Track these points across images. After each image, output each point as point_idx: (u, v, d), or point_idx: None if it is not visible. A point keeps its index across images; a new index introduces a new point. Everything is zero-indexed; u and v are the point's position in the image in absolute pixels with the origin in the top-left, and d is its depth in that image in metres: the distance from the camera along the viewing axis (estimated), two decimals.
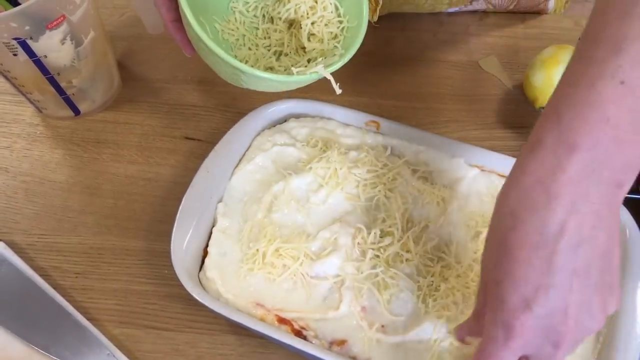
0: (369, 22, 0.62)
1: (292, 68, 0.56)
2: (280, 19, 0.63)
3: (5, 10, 0.60)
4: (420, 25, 0.80)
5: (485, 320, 0.42)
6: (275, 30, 0.63)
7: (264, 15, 0.64)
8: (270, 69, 0.62)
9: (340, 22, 0.61)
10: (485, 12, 0.81)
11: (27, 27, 0.57)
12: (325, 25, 0.60)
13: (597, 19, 0.40)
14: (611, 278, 0.41)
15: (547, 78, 0.67)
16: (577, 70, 0.40)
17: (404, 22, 0.81)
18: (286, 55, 0.63)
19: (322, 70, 0.55)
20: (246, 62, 0.62)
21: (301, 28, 0.61)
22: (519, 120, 0.71)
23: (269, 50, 0.64)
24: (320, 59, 0.60)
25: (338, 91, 0.56)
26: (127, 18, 0.81)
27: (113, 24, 0.80)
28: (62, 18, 0.59)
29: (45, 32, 0.59)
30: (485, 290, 0.43)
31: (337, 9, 0.61)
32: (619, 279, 0.42)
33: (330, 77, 0.55)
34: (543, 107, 0.68)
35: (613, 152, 0.38)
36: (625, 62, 0.37)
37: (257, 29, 0.64)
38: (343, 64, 0.56)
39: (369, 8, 0.61)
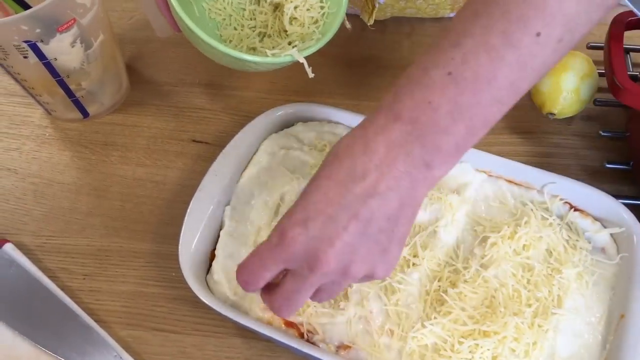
0: (366, 25, 0.63)
1: (267, 51, 0.59)
2: (266, 1, 0.65)
3: (17, 13, 0.61)
4: (427, 30, 0.80)
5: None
6: (260, 12, 0.66)
7: None
8: (253, 49, 0.65)
9: (322, 7, 0.63)
10: None
11: (37, 30, 0.58)
12: (307, 10, 0.63)
13: (462, 11, 0.43)
14: (388, 242, 0.44)
15: (554, 84, 0.67)
16: (427, 52, 0.43)
17: (411, 27, 0.81)
18: (269, 37, 0.66)
19: (296, 54, 0.57)
20: (230, 42, 0.66)
21: (284, 12, 0.63)
22: (526, 125, 0.71)
23: (253, 31, 0.66)
24: (298, 42, 0.63)
25: (310, 75, 0.59)
26: (136, 21, 0.81)
27: (122, 27, 0.80)
28: (72, 21, 0.59)
29: (55, 35, 0.59)
30: None
31: None
32: (398, 253, 0.45)
33: (304, 61, 0.58)
34: (551, 113, 0.68)
35: (428, 132, 0.42)
36: (458, 56, 0.41)
37: (244, 9, 0.67)
38: (317, 48, 0.59)
39: (366, 11, 0.62)
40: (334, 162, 0.44)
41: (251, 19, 0.67)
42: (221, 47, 0.55)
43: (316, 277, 0.43)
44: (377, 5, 0.72)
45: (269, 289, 0.47)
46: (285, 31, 0.64)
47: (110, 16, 0.68)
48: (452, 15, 0.80)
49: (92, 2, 0.61)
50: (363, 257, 0.43)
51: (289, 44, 0.64)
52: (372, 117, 0.44)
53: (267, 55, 0.58)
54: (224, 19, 0.67)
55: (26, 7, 0.62)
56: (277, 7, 0.66)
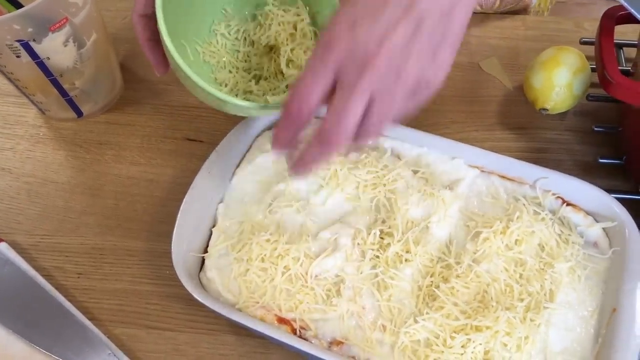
0: None
1: (267, 96, 0.57)
2: (261, 43, 0.63)
3: (9, 12, 0.61)
4: None
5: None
6: (255, 54, 0.64)
7: (245, 39, 0.65)
8: (249, 92, 0.63)
9: None
10: (485, 14, 0.81)
11: (30, 29, 0.58)
12: (304, 52, 0.61)
13: None
14: (441, 42, 0.41)
15: (547, 79, 0.67)
16: None
17: None
18: (265, 79, 0.64)
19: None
20: (226, 85, 0.64)
21: (280, 54, 0.61)
22: (519, 121, 0.72)
23: (249, 74, 0.65)
24: None
25: None
26: (130, 21, 0.80)
27: (116, 27, 0.80)
28: (64, 20, 0.60)
29: (48, 34, 0.59)
30: None
31: (315, 35, 0.61)
32: (450, 57, 0.42)
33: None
34: (544, 108, 0.68)
35: None
36: None
37: (238, 51, 0.65)
38: None
39: None
40: None
41: (245, 61, 0.65)
42: (219, 95, 0.52)
43: (366, 82, 0.40)
44: None
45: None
46: (282, 73, 0.62)
47: (104, 15, 0.68)
48: None
49: (84, 1, 0.61)
50: (415, 58, 0.40)
51: (287, 86, 0.62)
52: None
53: (264, 103, 0.55)
54: (218, 62, 0.64)
55: (18, 6, 0.62)
56: (272, 49, 0.64)
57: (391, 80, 0.40)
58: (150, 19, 0.54)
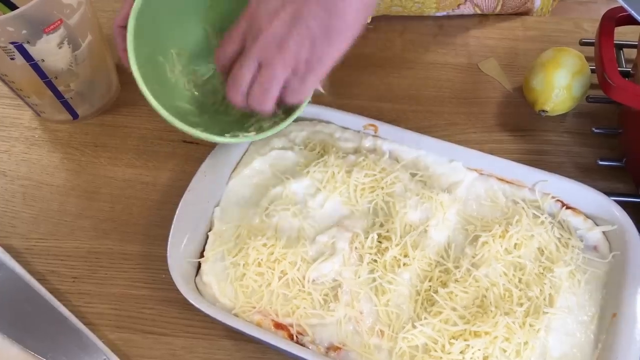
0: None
1: (225, 135, 0.58)
2: None
3: (3, 14, 0.60)
4: (420, 28, 0.80)
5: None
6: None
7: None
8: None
9: None
10: (484, 15, 0.81)
11: (24, 31, 0.57)
12: None
13: None
14: (320, 36, 0.49)
15: (546, 80, 0.66)
16: None
17: (403, 25, 0.80)
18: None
19: (254, 137, 0.58)
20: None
21: None
22: (518, 123, 0.71)
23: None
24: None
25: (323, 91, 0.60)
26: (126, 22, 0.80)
27: (111, 28, 0.78)
28: (59, 22, 0.59)
29: (42, 36, 0.59)
30: None
31: None
32: (325, 54, 0.50)
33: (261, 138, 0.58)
34: (543, 110, 0.67)
35: None
36: None
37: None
38: (277, 131, 0.58)
39: None
40: None
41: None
42: (187, 128, 0.55)
43: (255, 47, 0.50)
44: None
45: None
46: None
47: (99, 17, 0.68)
48: (438, 14, 0.80)
49: (78, 3, 0.60)
50: (295, 39, 0.49)
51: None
52: None
53: (224, 136, 0.57)
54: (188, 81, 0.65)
55: (13, 7, 0.62)
56: None
57: (273, 51, 0.50)
58: None
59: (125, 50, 0.55)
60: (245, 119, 0.62)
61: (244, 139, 0.57)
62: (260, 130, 0.59)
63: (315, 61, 0.50)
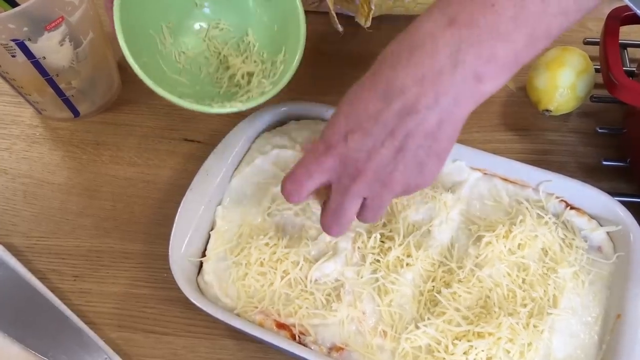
0: (363, 27, 0.62)
1: (211, 103, 0.59)
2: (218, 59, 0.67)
3: (4, 11, 0.60)
4: None
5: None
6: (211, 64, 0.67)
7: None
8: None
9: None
10: None
11: (25, 29, 0.57)
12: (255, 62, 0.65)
13: None
14: (425, 157, 0.44)
15: (550, 80, 0.66)
16: None
17: (406, 23, 0.79)
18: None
19: (241, 106, 0.58)
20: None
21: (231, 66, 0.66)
22: (522, 122, 0.71)
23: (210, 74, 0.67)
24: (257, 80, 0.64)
25: (340, 29, 0.63)
26: None
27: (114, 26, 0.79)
28: (60, 19, 0.59)
29: (43, 34, 0.58)
30: None
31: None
32: (436, 168, 0.46)
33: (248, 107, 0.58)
34: (547, 110, 0.67)
35: (486, 38, 0.39)
36: None
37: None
38: (264, 100, 0.58)
39: (362, 14, 0.61)
40: (377, 72, 0.43)
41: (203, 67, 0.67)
42: (168, 96, 0.56)
43: (357, 186, 0.45)
44: (373, 8, 0.71)
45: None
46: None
47: (101, 14, 0.67)
48: None
49: (80, 0, 0.60)
50: (401, 171, 0.44)
51: (248, 83, 0.65)
52: (420, 21, 0.42)
53: (211, 106, 0.58)
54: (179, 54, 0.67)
55: (14, 4, 0.61)
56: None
57: (379, 188, 0.45)
58: None
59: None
60: (235, 91, 0.64)
61: (230, 109, 0.57)
62: (248, 101, 0.59)
63: (414, 187, 0.47)
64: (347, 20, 0.64)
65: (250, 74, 0.65)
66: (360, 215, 0.48)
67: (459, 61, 0.40)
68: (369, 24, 0.73)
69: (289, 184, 0.48)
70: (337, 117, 0.45)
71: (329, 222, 0.49)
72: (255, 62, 0.65)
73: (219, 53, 0.67)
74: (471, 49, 0.40)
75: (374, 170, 0.44)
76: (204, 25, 0.67)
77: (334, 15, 0.69)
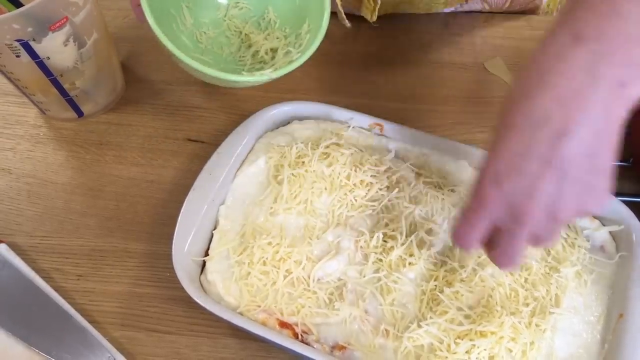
0: (369, 22, 0.63)
1: (243, 72, 0.61)
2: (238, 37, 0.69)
3: (8, 11, 0.60)
4: (425, 26, 0.80)
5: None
6: (232, 44, 0.69)
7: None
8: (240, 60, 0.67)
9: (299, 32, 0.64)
10: (490, 14, 0.80)
11: (29, 29, 0.57)
12: (277, 38, 0.66)
13: None
14: (592, 178, 0.41)
15: None
16: None
17: (409, 23, 0.80)
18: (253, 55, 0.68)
19: (271, 74, 0.58)
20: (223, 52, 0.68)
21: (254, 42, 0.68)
22: None
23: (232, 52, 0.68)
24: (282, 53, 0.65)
25: (348, 24, 0.64)
26: (132, 20, 0.80)
27: (117, 26, 0.79)
28: (64, 20, 0.59)
29: (48, 34, 0.59)
30: None
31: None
32: (605, 184, 0.42)
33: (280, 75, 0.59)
34: None
35: (619, 46, 0.38)
36: None
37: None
38: (295, 67, 0.59)
39: (368, 8, 0.62)
40: (511, 108, 0.41)
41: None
42: (195, 64, 0.55)
43: (524, 228, 0.42)
44: (378, 2, 0.72)
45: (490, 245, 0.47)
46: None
47: (105, 15, 0.68)
48: (446, 10, 0.80)
49: (84, 1, 0.60)
50: (568, 200, 0.41)
51: (272, 58, 0.65)
52: (544, 45, 0.40)
53: (242, 74, 0.59)
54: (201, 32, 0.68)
55: (18, 5, 0.62)
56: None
57: (549, 222, 0.42)
58: None
59: (138, 5, 0.57)
60: (260, 67, 0.65)
61: (260, 77, 0.58)
62: (278, 69, 0.59)
63: (588, 209, 0.43)
64: (349, 20, 0.64)
65: (274, 50, 0.65)
66: (532, 243, 0.45)
67: (598, 75, 0.38)
68: (374, 18, 0.73)
69: (458, 239, 0.47)
70: (485, 168, 0.43)
71: (502, 262, 0.47)
72: (277, 38, 0.66)
73: (240, 32, 0.67)
74: (607, 61, 0.38)
75: (540, 208, 0.41)
76: (224, 1, 0.68)
77: (342, 10, 0.69)
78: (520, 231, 0.43)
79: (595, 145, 0.40)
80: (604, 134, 0.40)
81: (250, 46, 0.67)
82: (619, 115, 0.40)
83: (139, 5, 0.57)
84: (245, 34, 0.67)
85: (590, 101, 0.39)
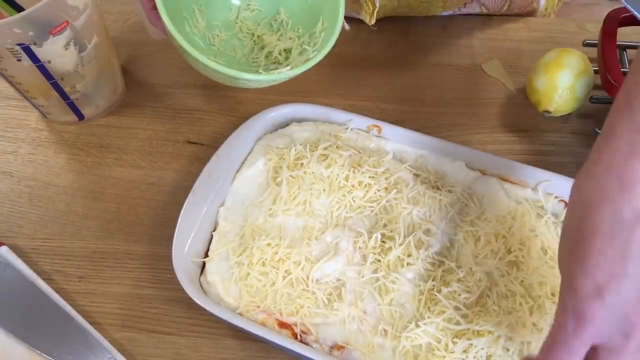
0: (368, 25, 0.63)
1: (260, 71, 0.60)
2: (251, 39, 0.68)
3: (9, 16, 0.61)
4: (423, 29, 0.80)
5: (556, 310, 0.41)
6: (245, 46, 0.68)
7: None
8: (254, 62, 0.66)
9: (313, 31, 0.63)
10: (488, 16, 0.81)
11: (30, 33, 0.58)
12: (291, 39, 0.65)
13: None
14: None
15: (550, 81, 0.66)
16: None
17: (407, 25, 0.80)
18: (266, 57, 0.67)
19: (289, 72, 0.57)
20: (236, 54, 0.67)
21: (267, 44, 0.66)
22: (522, 123, 0.71)
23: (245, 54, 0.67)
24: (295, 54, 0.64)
25: (347, 27, 0.62)
26: (132, 24, 0.81)
27: (117, 30, 0.80)
28: (65, 24, 0.60)
29: (48, 38, 0.59)
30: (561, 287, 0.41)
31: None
32: None
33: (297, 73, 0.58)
34: (546, 111, 0.68)
35: None
36: None
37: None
38: (312, 65, 0.58)
39: (366, 11, 0.62)
40: (592, 216, 0.39)
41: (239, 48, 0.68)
42: (213, 64, 0.55)
43: (634, 341, 0.38)
44: (377, 5, 0.72)
45: None
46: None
47: (106, 19, 0.68)
48: (444, 14, 0.80)
49: (85, 5, 0.61)
50: None
51: (286, 59, 0.65)
52: (606, 145, 0.39)
53: (260, 73, 0.58)
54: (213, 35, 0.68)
55: (19, 9, 0.62)
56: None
57: None
58: None
59: (151, 9, 0.57)
60: (275, 67, 0.64)
61: (278, 76, 0.57)
62: (295, 68, 0.58)
63: None
64: (350, 22, 0.65)
65: (287, 50, 0.65)
66: None
67: None
68: (373, 21, 0.73)
69: None
70: (574, 283, 0.39)
71: None
72: (290, 38, 0.65)
73: (252, 34, 0.67)
74: None
75: None
76: (236, 2, 0.68)
77: None
78: (630, 344, 0.38)
79: None
80: None
81: (263, 47, 0.67)
82: None
83: (152, 8, 0.57)
84: (258, 36, 0.67)
85: None
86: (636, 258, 0.37)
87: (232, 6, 0.68)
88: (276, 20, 0.67)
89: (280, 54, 0.65)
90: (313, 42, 0.63)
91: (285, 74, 0.57)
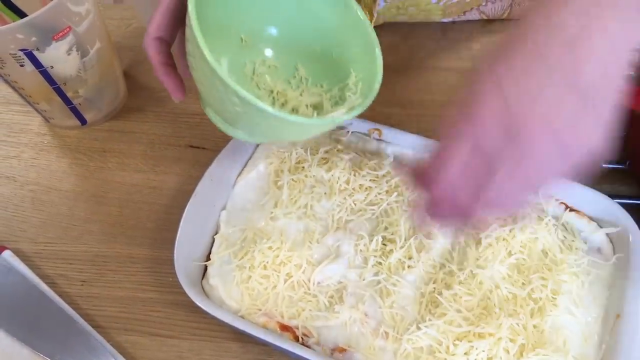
0: None
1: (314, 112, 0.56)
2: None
3: (12, 21, 0.61)
4: (424, 32, 0.81)
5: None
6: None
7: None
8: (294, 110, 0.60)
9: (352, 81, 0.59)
10: (488, 20, 0.81)
11: (33, 39, 0.58)
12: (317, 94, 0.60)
13: None
14: (603, 107, 0.37)
15: None
16: None
17: (408, 29, 0.81)
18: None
19: (341, 116, 0.54)
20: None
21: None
22: None
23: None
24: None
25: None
26: (134, 29, 0.82)
27: (120, 35, 0.81)
28: (67, 29, 0.60)
29: (51, 43, 0.60)
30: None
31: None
32: (609, 115, 0.38)
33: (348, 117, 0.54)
34: None
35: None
36: None
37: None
38: (361, 111, 0.54)
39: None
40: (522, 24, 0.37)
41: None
42: (282, 114, 0.48)
43: (524, 149, 0.36)
44: (375, 15, 0.73)
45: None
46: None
47: (108, 24, 0.69)
48: (444, 20, 0.81)
49: (87, 11, 0.61)
50: (581, 130, 0.36)
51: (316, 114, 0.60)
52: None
53: (311, 116, 0.55)
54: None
55: (22, 15, 0.63)
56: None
57: (554, 147, 0.37)
58: (164, 41, 0.53)
59: (162, 63, 0.53)
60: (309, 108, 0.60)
61: (332, 120, 0.54)
62: (347, 112, 0.54)
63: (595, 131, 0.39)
64: None
65: (314, 105, 0.60)
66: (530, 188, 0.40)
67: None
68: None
69: (425, 184, 0.39)
70: (478, 74, 0.38)
71: (495, 203, 0.40)
72: (315, 93, 0.61)
73: (271, 91, 0.61)
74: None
75: (541, 116, 0.36)
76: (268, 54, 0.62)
77: None
78: (516, 151, 0.36)
79: (609, 69, 0.36)
80: (615, 62, 0.36)
81: (283, 104, 0.61)
82: (630, 47, 0.36)
83: (163, 64, 0.53)
84: (278, 92, 0.61)
85: (608, 19, 0.35)
86: (552, 70, 0.35)
87: (246, 64, 0.62)
88: (294, 77, 0.63)
89: (307, 107, 0.59)
90: (345, 95, 0.58)
91: (339, 118, 0.53)
